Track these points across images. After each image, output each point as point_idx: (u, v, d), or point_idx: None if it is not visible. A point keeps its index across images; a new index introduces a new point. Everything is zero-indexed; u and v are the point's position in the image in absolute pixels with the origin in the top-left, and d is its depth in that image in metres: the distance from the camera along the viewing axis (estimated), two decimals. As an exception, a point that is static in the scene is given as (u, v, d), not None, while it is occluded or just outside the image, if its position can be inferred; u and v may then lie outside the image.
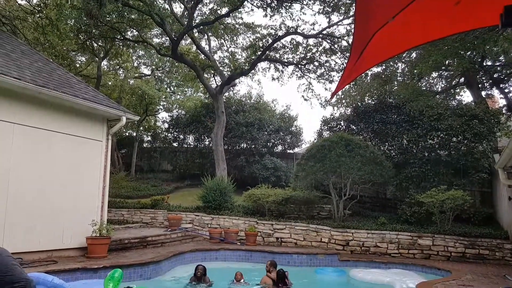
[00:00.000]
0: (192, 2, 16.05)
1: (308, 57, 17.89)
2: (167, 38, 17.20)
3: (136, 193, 16.20)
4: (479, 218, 11.51)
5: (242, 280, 7.63)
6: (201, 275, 7.47)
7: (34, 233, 7.40)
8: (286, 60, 18.34)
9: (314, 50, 17.66)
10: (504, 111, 15.84)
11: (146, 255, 8.59)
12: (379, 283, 8.34)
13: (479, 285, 7.07)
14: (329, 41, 17.33)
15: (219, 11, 17.05)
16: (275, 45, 17.21)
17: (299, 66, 18.42)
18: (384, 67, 18.17)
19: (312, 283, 8.62)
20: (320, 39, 17.43)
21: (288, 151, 21.25)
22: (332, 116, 16.87)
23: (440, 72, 18.73)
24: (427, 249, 10.72)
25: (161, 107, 24.36)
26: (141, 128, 22.78)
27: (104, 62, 21.85)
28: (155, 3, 15.17)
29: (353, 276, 8.94)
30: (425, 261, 10.14)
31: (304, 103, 63.56)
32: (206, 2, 17.79)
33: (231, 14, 17.07)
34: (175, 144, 22.35)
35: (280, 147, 21.21)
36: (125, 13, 15.39)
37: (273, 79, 19.65)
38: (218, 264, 9.70)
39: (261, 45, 16.95)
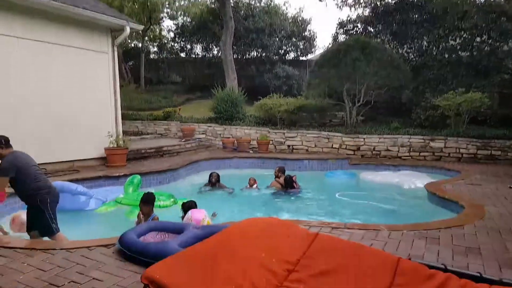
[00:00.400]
0: None
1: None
2: None
3: (148, 106, 16.26)
4: (495, 119, 11.35)
5: (255, 185, 7.95)
6: (216, 181, 7.79)
7: (54, 145, 7.64)
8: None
9: None
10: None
11: (163, 163, 8.91)
12: (388, 183, 8.60)
13: (488, 184, 7.20)
14: None
15: None
16: None
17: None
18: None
19: (322, 186, 8.94)
20: None
21: (301, 58, 20.48)
22: (348, 19, 15.80)
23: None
24: (439, 152, 10.83)
25: (165, 14, 23.03)
26: (146, 38, 21.92)
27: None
28: None
29: (362, 178, 9.20)
30: (435, 163, 10.30)
31: (319, 4, 59.09)
32: None
33: None
34: (182, 55, 21.69)
35: (292, 54, 20.41)
36: None
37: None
38: (232, 172, 10.05)
39: None
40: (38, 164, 7.23)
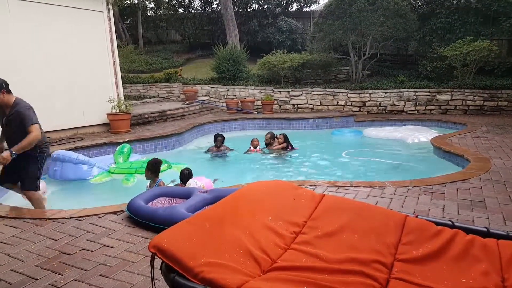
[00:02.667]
0: None
1: None
2: None
3: (148, 67, 15.97)
4: (503, 69, 11.05)
5: (258, 146, 7.89)
6: (221, 144, 7.79)
7: (54, 113, 7.54)
8: None
9: None
10: None
11: (168, 128, 8.89)
12: (392, 138, 8.58)
13: (493, 136, 7.17)
14: None
15: None
16: None
17: None
18: None
19: (328, 145, 8.92)
20: None
21: (305, 9, 19.68)
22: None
23: None
24: (445, 104, 10.68)
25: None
26: (143, -7, 21.05)
27: None
28: None
29: (366, 135, 9.17)
30: (441, 116, 10.19)
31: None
32: None
33: None
34: (180, 10, 20.89)
35: (295, 5, 19.58)
36: None
37: None
38: (236, 134, 10.03)
39: None
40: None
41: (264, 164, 7.21)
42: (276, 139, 7.97)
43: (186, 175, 4.90)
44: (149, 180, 4.87)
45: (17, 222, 3.51)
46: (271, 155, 7.70)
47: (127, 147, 6.47)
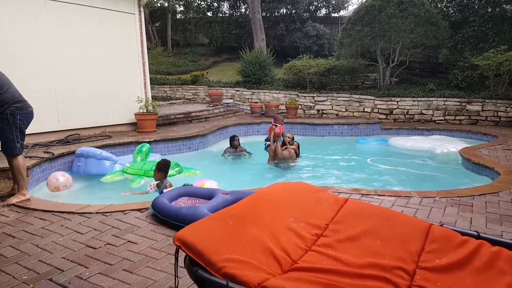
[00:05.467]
0: None
1: None
2: None
3: (176, 69, 16.29)
4: (539, 80, 10.61)
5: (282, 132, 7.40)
6: (238, 145, 7.91)
7: (86, 111, 7.83)
8: None
9: None
10: None
11: (192, 129, 9.03)
12: (419, 149, 8.35)
13: (527, 150, 6.88)
14: None
15: None
16: None
17: None
18: None
19: (352, 152, 8.80)
20: None
21: (333, 14, 19.56)
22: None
23: None
24: (475, 115, 10.35)
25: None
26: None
27: None
28: None
29: (392, 144, 8.95)
30: (471, 127, 9.88)
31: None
32: None
33: None
34: (209, 14, 21.23)
35: (323, 11, 19.50)
36: None
37: None
38: (260, 138, 10.03)
39: None
40: (72, 129, 7.45)
41: (281, 169, 7.07)
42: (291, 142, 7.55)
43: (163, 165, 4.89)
44: (155, 182, 4.96)
45: (46, 215, 3.66)
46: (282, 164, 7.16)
47: (146, 146, 6.50)
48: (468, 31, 11.77)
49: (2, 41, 6.49)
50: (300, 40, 16.91)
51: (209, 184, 4.86)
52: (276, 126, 7.11)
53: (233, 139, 7.94)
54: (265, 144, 7.54)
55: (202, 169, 6.37)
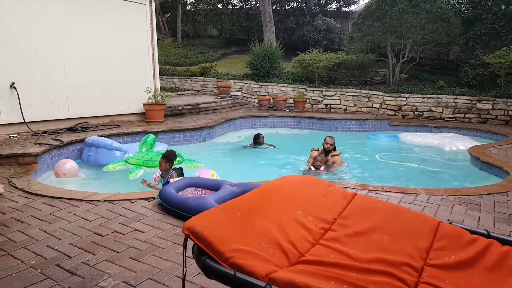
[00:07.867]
0: None
1: None
2: None
3: (185, 61, 16.27)
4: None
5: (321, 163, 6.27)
6: (263, 142, 7.96)
7: (96, 100, 7.88)
8: None
9: None
10: None
11: (200, 120, 9.04)
12: (428, 145, 8.30)
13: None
14: None
15: None
16: None
17: None
18: None
19: (361, 147, 8.75)
20: None
21: (344, 9, 19.42)
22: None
23: None
24: (485, 113, 10.23)
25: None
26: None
27: None
28: None
29: (403, 140, 8.91)
30: (480, 126, 9.78)
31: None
32: None
33: None
34: (219, 6, 21.16)
35: (334, 5, 19.36)
36: None
37: None
38: (267, 131, 10.01)
39: None
40: (81, 117, 7.48)
41: (289, 160, 7.03)
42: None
43: (179, 171, 4.93)
44: (158, 172, 4.98)
45: (54, 201, 3.70)
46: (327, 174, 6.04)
47: (151, 137, 6.47)
48: (480, 29, 11.60)
49: (10, 32, 6.55)
50: (310, 34, 16.79)
51: (209, 174, 4.83)
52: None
53: (257, 137, 7.94)
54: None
55: (214, 161, 6.39)
